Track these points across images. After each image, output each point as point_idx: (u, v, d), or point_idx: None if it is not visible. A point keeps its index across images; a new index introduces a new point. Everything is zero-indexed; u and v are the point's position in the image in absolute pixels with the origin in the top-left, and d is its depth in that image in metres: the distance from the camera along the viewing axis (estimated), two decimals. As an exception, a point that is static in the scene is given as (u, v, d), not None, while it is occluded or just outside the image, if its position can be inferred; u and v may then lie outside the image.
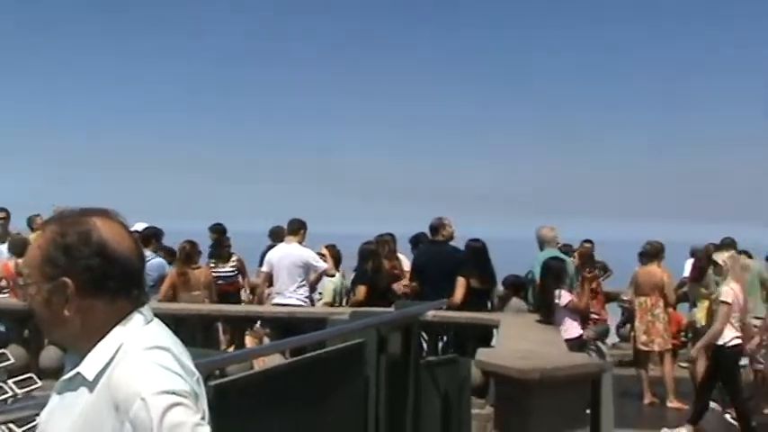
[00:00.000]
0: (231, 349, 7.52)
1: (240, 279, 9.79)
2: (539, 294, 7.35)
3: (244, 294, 10.13)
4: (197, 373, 1.62)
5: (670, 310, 8.87)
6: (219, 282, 9.00)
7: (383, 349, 3.69)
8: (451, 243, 8.10)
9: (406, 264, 8.84)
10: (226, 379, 2.61)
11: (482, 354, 4.98)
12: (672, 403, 8.50)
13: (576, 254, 8.25)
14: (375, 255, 8.25)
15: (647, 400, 8.78)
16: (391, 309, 4.92)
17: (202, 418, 1.49)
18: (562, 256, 7.88)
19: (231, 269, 9.55)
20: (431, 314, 6.75)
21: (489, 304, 8.30)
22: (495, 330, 6.93)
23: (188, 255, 8.39)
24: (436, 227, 8.08)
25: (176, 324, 6.98)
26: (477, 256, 7.89)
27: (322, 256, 8.97)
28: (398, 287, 8.20)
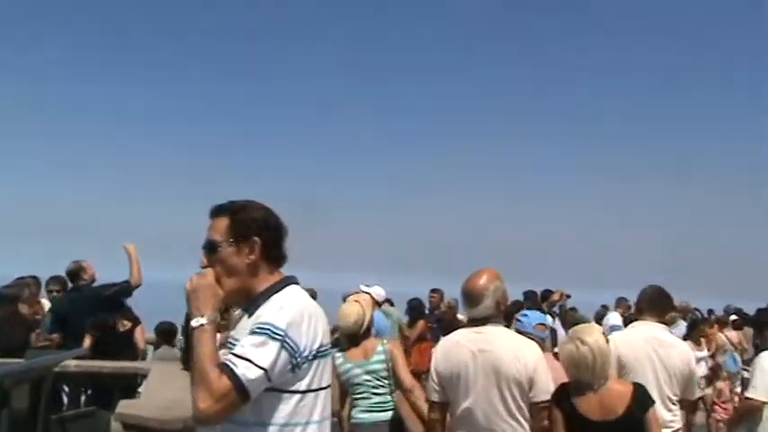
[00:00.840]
0: None
1: None
2: (186, 341, 7.31)
3: None
4: None
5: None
6: None
7: (6, 405, 3.39)
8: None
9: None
10: None
11: (122, 406, 4.77)
12: None
13: None
14: (12, 300, 7.47)
15: None
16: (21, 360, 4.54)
17: None
18: None
19: None
20: (73, 364, 6.34)
21: (137, 352, 8.01)
22: (144, 380, 6.72)
23: None
24: (76, 271, 7.56)
25: None
26: (115, 299, 7.50)
27: None
28: (36, 339, 7.49)
